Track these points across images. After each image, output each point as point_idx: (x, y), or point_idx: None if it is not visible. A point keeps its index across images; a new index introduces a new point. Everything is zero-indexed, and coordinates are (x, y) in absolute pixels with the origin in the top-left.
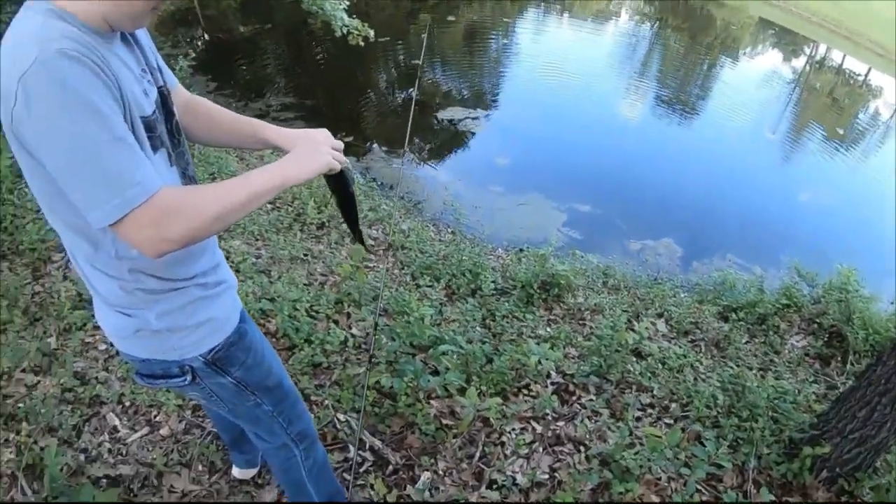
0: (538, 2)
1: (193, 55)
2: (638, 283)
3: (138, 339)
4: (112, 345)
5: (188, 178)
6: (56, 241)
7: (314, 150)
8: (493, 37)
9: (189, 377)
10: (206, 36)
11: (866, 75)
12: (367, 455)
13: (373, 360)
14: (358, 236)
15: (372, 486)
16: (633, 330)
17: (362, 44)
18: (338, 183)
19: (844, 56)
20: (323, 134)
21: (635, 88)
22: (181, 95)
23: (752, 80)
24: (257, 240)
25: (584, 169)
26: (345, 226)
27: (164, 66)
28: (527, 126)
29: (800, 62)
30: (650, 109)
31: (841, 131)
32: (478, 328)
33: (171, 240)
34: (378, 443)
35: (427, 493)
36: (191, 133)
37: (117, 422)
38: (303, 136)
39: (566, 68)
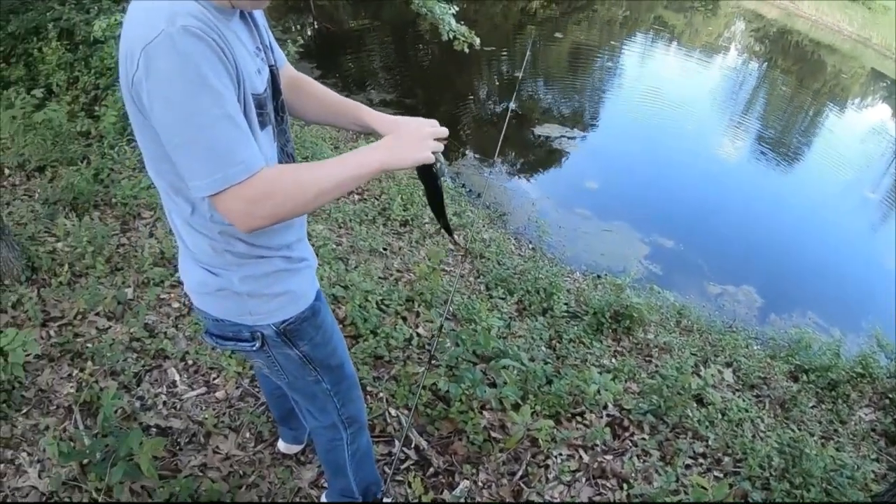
0: (647, 28)
1: (302, 42)
2: (711, 328)
3: (218, 298)
4: (186, 304)
5: (287, 156)
6: (147, 198)
7: (416, 139)
8: (598, 58)
9: (258, 343)
10: (316, 25)
11: None
12: (412, 453)
13: (433, 361)
14: (445, 227)
15: (410, 485)
16: (698, 375)
17: (467, 50)
18: (427, 174)
19: None
20: (429, 123)
21: (736, 127)
22: (288, 73)
23: (858, 133)
24: (340, 227)
25: (673, 203)
26: (431, 221)
27: (276, 45)
28: (621, 152)
29: None
30: (749, 150)
31: None
32: (543, 348)
33: (262, 217)
34: (424, 443)
35: (462, 502)
36: (294, 109)
37: (177, 377)
38: (406, 124)
39: (668, 98)
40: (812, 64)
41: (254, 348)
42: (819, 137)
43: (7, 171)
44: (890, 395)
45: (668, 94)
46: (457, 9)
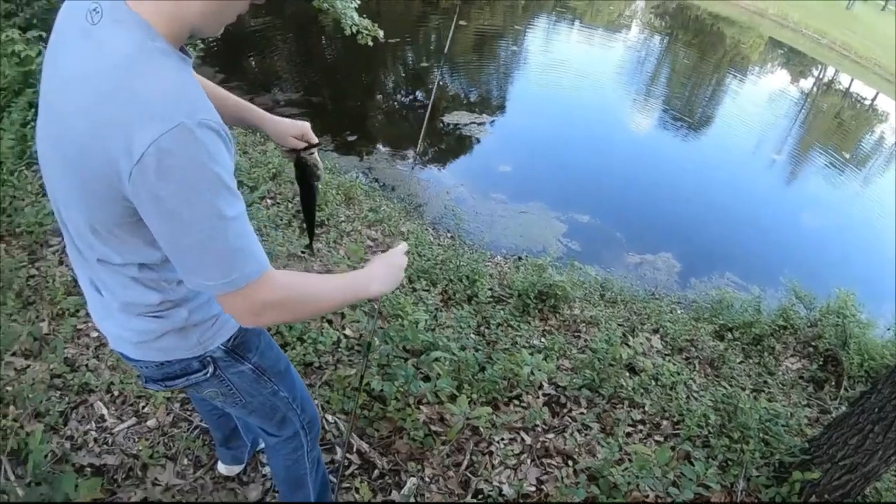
0: (549, 10)
1: (202, 45)
2: (635, 298)
3: (160, 342)
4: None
5: None
6: (52, 224)
7: (399, 269)
8: (503, 43)
9: (210, 369)
10: None
11: (873, 100)
12: (354, 458)
13: (367, 364)
14: (310, 230)
15: (357, 490)
16: (627, 345)
17: (371, 44)
18: (306, 175)
19: (852, 80)
20: (403, 252)
21: (642, 101)
22: None
23: (760, 99)
24: (256, 233)
25: (586, 180)
26: (348, 219)
27: None
28: (531, 135)
29: (807, 84)
30: (656, 123)
31: (846, 154)
32: (472, 335)
33: (265, 321)
34: (365, 446)
35: (412, 500)
36: None
37: (105, 411)
38: (391, 256)
39: (574, 79)
40: (712, 36)
41: (206, 376)
42: (723, 106)
43: None
44: (813, 344)
45: (575, 73)
46: (358, 2)
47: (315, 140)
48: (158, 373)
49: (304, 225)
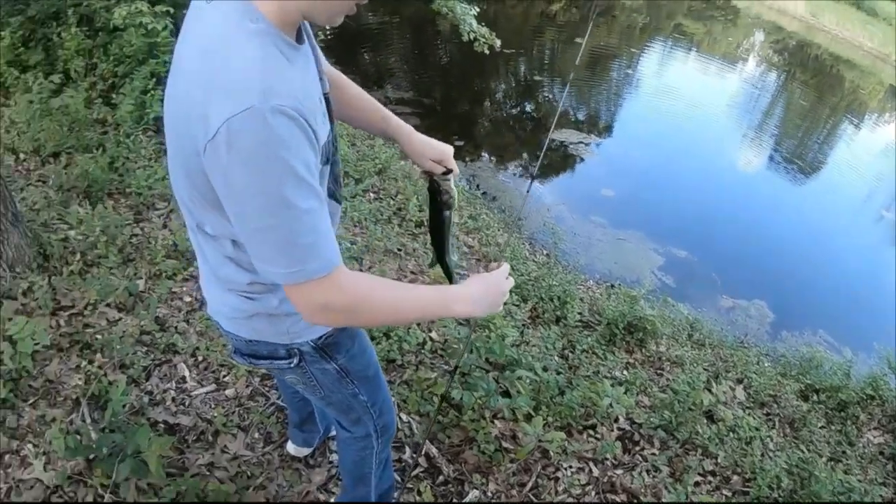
0: (667, 34)
1: (322, 37)
2: (723, 343)
3: (251, 321)
4: (197, 298)
5: (335, 180)
6: (161, 189)
7: (498, 296)
8: (617, 64)
9: (295, 360)
10: None
11: None
12: (422, 461)
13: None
14: (443, 265)
15: (419, 492)
16: (710, 391)
17: (487, 52)
18: (437, 199)
19: None
20: (508, 282)
21: (753, 138)
22: (329, 75)
23: (875, 148)
24: (355, 226)
25: (688, 214)
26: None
27: (320, 53)
28: (637, 160)
29: None
30: (766, 162)
31: None
32: (556, 357)
33: (333, 322)
34: (435, 451)
35: None
36: None
37: (187, 373)
38: (492, 280)
39: (686, 108)
40: (831, 77)
41: (290, 366)
42: (836, 152)
43: (22, 156)
44: None
45: (686, 103)
46: (478, 9)
47: (454, 167)
48: (247, 348)
49: (438, 260)
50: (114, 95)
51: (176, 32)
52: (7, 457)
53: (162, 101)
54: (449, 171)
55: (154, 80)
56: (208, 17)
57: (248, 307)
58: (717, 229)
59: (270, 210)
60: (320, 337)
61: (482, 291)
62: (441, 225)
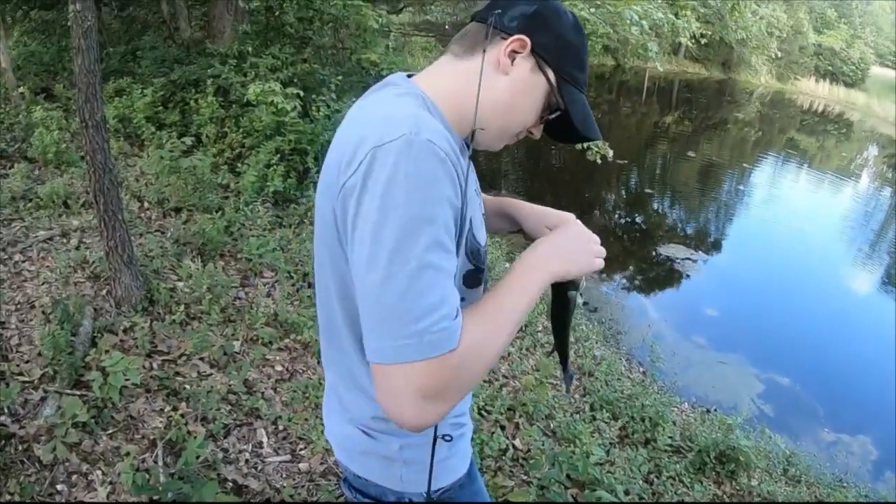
0: (779, 148)
1: None
2: (820, 481)
3: (364, 458)
4: (288, 369)
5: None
6: (270, 260)
7: (587, 246)
8: (728, 178)
9: None
10: None
11: None
12: None
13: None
14: (561, 351)
15: None
16: None
17: (599, 161)
18: (563, 293)
19: None
20: (583, 227)
21: (865, 260)
22: None
23: None
24: None
25: (794, 338)
26: (545, 330)
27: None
28: (744, 280)
29: None
30: (878, 287)
31: None
32: (640, 482)
33: (435, 416)
34: None
35: None
36: None
37: (265, 439)
38: (568, 224)
39: (797, 224)
40: None
41: None
42: None
43: (146, 205)
44: None
45: (798, 220)
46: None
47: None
48: (355, 481)
49: (556, 347)
50: (239, 164)
51: (304, 115)
52: (74, 476)
53: (283, 176)
54: None
55: (278, 155)
56: (373, 97)
57: (364, 444)
58: (823, 356)
59: (399, 255)
60: (437, 490)
61: (566, 242)
62: (565, 308)
